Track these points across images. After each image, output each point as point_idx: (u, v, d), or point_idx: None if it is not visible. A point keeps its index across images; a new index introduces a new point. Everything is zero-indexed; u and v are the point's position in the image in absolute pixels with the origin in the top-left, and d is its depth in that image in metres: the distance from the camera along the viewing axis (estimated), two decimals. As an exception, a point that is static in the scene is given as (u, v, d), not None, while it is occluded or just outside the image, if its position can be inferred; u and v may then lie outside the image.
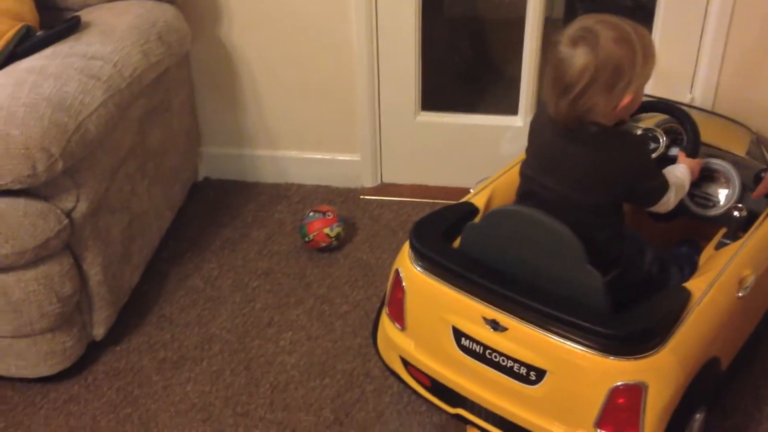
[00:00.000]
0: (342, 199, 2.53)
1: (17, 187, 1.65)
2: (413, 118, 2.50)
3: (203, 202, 2.54)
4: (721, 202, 1.75)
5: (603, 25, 1.43)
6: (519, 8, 2.35)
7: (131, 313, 2.09)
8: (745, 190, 1.75)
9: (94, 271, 1.85)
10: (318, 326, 2.07)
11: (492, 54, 3.25)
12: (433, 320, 1.58)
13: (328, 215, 2.29)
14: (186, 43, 2.21)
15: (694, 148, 1.76)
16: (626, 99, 1.46)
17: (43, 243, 1.69)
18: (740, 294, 1.58)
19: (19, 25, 1.87)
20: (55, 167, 1.65)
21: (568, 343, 1.41)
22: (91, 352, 1.97)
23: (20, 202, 1.68)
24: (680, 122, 1.79)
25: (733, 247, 1.65)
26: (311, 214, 2.30)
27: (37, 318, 1.76)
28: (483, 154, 2.50)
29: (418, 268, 1.59)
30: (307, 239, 2.29)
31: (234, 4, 2.38)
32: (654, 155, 1.78)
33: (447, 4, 3.38)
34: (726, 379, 1.67)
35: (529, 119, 2.44)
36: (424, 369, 1.64)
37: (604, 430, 1.43)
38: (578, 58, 1.41)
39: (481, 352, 1.53)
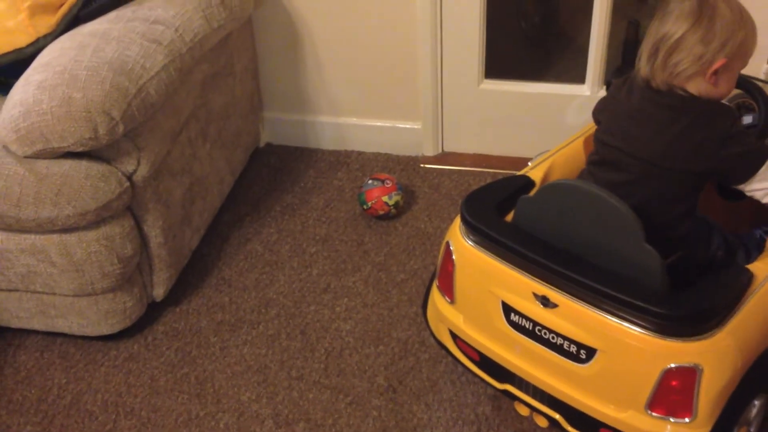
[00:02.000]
0: (402, 168, 2.52)
1: (79, 149, 1.68)
2: (476, 85, 2.45)
3: (264, 167, 2.56)
4: (761, 126, 1.66)
5: None
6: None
7: (191, 275, 2.13)
8: None
9: (154, 233, 1.89)
10: (374, 294, 2.07)
11: (560, 20, 3.17)
12: (483, 294, 1.56)
13: (387, 183, 2.27)
14: (248, 8, 2.21)
15: (767, 124, 1.68)
16: (718, 62, 1.42)
17: (104, 205, 1.72)
18: None
19: (83, -11, 1.90)
20: (116, 130, 1.67)
21: (621, 321, 1.38)
22: (151, 313, 2.01)
23: (82, 165, 1.71)
24: (753, 97, 1.71)
25: None
26: (370, 181, 2.29)
27: (99, 278, 1.80)
28: (548, 124, 2.44)
29: (469, 242, 1.56)
30: (365, 206, 2.28)
31: (297, -31, 2.36)
32: None
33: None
34: None
35: (597, 89, 2.39)
36: (472, 343, 1.63)
37: (655, 412, 1.40)
38: (684, 4, 1.43)
39: (530, 328, 1.50)
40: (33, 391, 1.85)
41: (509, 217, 1.57)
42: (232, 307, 2.05)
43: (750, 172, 1.49)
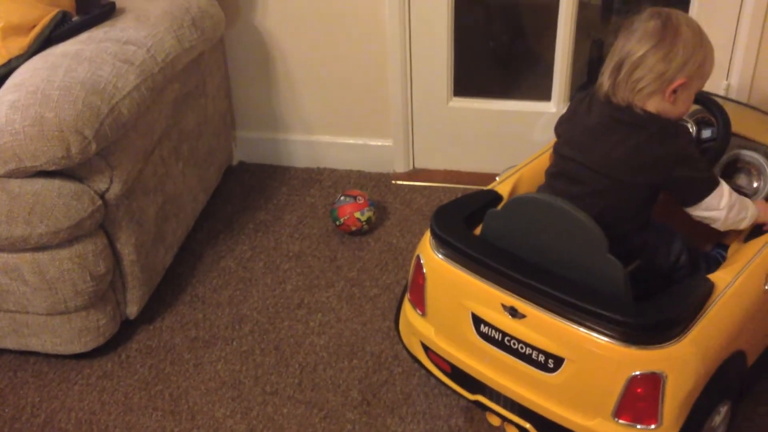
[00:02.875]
0: (374, 184, 2.55)
1: (52, 168, 1.70)
2: (446, 103, 2.50)
3: (237, 185, 2.58)
4: (752, 195, 1.71)
5: (679, 12, 1.50)
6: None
7: (165, 293, 2.14)
8: None
9: (127, 251, 1.90)
10: (347, 309, 2.09)
11: (526, 39, 3.23)
12: (453, 306, 1.59)
13: (359, 199, 2.30)
14: (220, 29, 2.24)
15: (724, 138, 1.72)
16: (678, 81, 1.48)
17: (77, 223, 1.73)
18: (766, 287, 1.55)
19: (55, 11, 1.92)
20: (88, 149, 1.69)
21: (586, 331, 1.41)
22: (125, 330, 2.02)
23: (55, 183, 1.72)
24: (711, 112, 1.75)
25: (762, 239, 1.61)
26: (342, 198, 2.32)
27: (72, 296, 1.81)
28: (516, 140, 2.49)
29: (439, 255, 1.59)
30: (338, 223, 2.31)
31: (268, -10, 2.40)
32: None
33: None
34: (752, 374, 1.64)
35: (562, 106, 2.44)
36: (444, 355, 1.65)
37: (622, 419, 1.43)
38: (648, 24, 1.48)
39: (499, 338, 1.53)
40: (6, 410, 1.85)
41: (478, 231, 1.61)
42: (206, 324, 2.06)
43: (695, 198, 1.54)
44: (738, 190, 1.70)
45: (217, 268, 2.24)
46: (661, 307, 1.40)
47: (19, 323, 1.88)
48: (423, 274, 1.63)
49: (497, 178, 1.81)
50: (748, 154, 1.74)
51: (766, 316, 1.62)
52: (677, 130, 1.53)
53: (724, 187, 1.55)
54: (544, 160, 1.79)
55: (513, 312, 1.48)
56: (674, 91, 1.50)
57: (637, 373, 1.39)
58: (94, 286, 1.82)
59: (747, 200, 1.61)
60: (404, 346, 1.78)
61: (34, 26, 1.89)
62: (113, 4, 2.00)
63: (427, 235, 1.64)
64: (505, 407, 1.59)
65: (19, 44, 1.87)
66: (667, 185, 1.53)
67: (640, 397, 1.40)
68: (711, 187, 1.54)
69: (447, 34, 2.38)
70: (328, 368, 1.93)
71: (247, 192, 2.55)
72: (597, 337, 1.40)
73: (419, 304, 1.67)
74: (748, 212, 1.59)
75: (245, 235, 2.36)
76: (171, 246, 2.15)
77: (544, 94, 2.47)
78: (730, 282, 1.51)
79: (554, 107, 2.45)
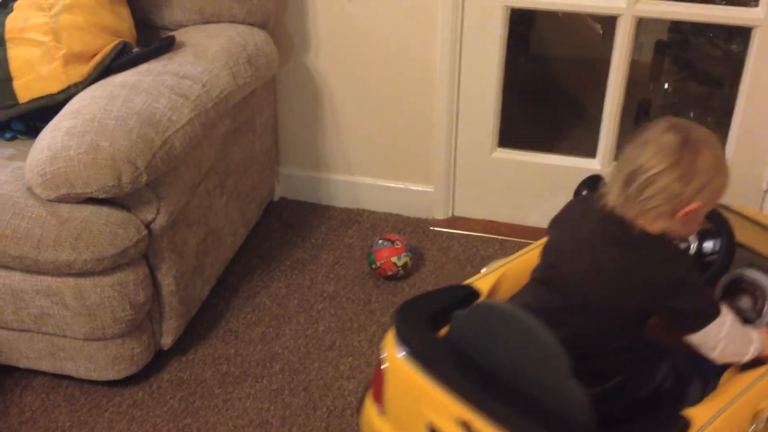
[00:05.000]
0: (412, 229, 2.55)
1: (102, 196, 1.72)
2: (489, 153, 2.50)
3: (277, 221, 2.59)
4: (754, 320, 1.54)
5: (698, 127, 1.39)
6: (605, 49, 2.35)
7: (199, 325, 2.15)
8: None
9: (167, 282, 1.91)
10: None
11: (574, 94, 3.24)
12: (411, 410, 1.44)
13: (397, 244, 2.30)
14: (273, 67, 2.27)
15: (728, 254, 1.57)
16: (693, 204, 1.35)
17: (121, 251, 1.75)
18: (752, 429, 1.39)
19: (117, 41, 1.96)
20: (139, 180, 1.71)
21: None
22: (158, 361, 2.02)
23: (103, 211, 1.75)
24: (714, 224, 1.60)
25: (756, 372, 1.43)
26: (380, 241, 2.33)
27: (110, 323, 1.82)
28: (558, 195, 2.48)
29: (401, 353, 1.44)
30: (374, 266, 2.31)
31: (323, 31, 2.43)
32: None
33: (532, 41, 3.39)
34: None
35: (607, 163, 2.43)
36: None
37: None
38: (664, 138, 1.35)
39: None
40: (38, 430, 1.86)
41: (446, 330, 1.47)
42: (238, 360, 2.07)
43: (691, 328, 1.40)
44: (739, 312, 1.54)
45: (252, 304, 2.25)
46: None
47: (56, 346, 1.89)
48: (383, 370, 1.49)
49: (483, 270, 1.68)
50: (753, 274, 1.58)
51: None
52: (677, 254, 1.42)
53: (726, 318, 1.39)
54: (533, 257, 1.62)
55: (467, 428, 1.34)
56: (686, 213, 1.37)
57: None
58: (133, 314, 1.83)
59: (752, 333, 1.44)
60: None
61: (95, 55, 1.93)
62: (173, 38, 2.04)
63: (392, 329, 1.49)
64: None
65: (79, 72, 1.91)
66: (659, 313, 1.41)
67: None
68: (710, 318, 1.38)
69: (496, 84, 2.39)
70: (356, 414, 1.91)
71: (286, 228, 2.56)
72: None
73: (379, 399, 1.52)
74: (751, 347, 1.42)
75: (281, 272, 2.37)
76: (209, 279, 2.16)
77: (590, 151, 2.47)
78: (709, 420, 1.34)
79: (599, 164, 2.44)
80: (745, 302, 1.57)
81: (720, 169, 1.37)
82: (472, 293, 1.58)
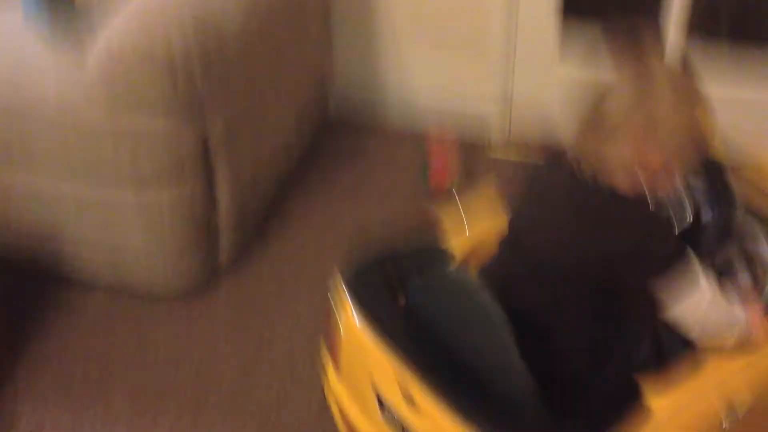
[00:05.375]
0: (468, 150, 2.52)
1: (159, 105, 1.72)
2: (549, 71, 2.44)
3: (332, 140, 2.58)
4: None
5: (670, 64, 1.22)
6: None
7: (256, 243, 2.17)
8: None
9: (224, 199, 1.93)
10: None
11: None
12: (361, 376, 1.36)
13: (451, 163, 2.29)
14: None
15: (727, 224, 1.42)
16: (658, 156, 1.18)
17: (179, 163, 1.76)
18: (725, 426, 1.23)
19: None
20: (195, 88, 1.71)
21: None
22: (215, 277, 2.05)
23: (160, 123, 1.75)
24: (714, 189, 1.45)
25: (732, 361, 1.27)
26: (434, 159, 2.32)
27: (169, 236, 1.85)
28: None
29: (355, 318, 1.35)
30: (428, 184, 2.30)
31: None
32: (684, 224, 1.45)
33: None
34: None
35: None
36: (351, 426, 1.43)
37: None
38: (627, 78, 1.18)
39: (399, 426, 1.30)
40: (99, 342, 1.92)
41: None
42: (292, 277, 2.09)
43: (668, 302, 1.23)
44: (736, 290, 1.38)
45: (307, 223, 2.26)
46: None
47: (117, 258, 1.93)
48: (339, 326, 1.40)
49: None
50: (756, 248, 1.43)
51: None
52: (645, 222, 1.22)
53: (705, 295, 1.22)
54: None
55: (409, 399, 1.26)
56: (652, 169, 1.19)
57: None
58: (192, 228, 1.86)
59: (740, 315, 1.28)
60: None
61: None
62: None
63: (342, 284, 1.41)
64: None
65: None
66: (625, 286, 1.23)
67: None
68: (683, 294, 1.21)
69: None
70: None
71: (340, 149, 2.55)
72: None
73: (334, 356, 1.45)
74: (735, 330, 1.27)
75: (335, 193, 2.37)
76: (265, 197, 2.18)
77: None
78: (674, 412, 1.22)
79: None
80: (746, 279, 1.41)
81: (691, 109, 1.19)
82: (447, 255, 1.47)
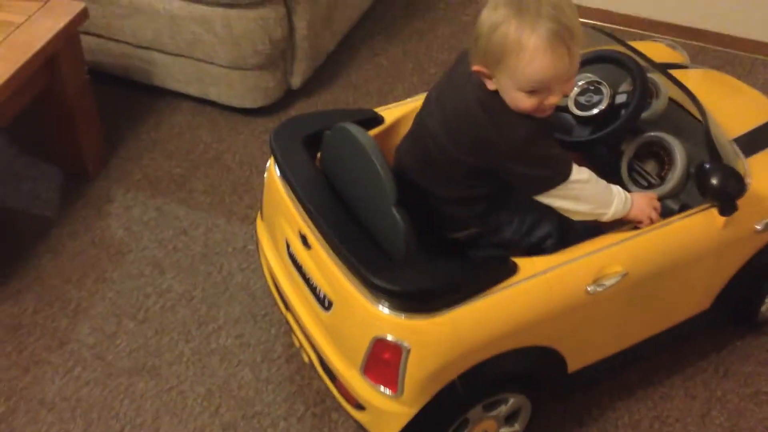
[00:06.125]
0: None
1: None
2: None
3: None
4: (657, 185, 1.51)
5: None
6: None
7: (325, 73, 2.40)
8: (689, 180, 1.50)
9: (301, 25, 2.14)
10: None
11: None
12: (275, 220, 1.53)
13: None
14: None
15: (636, 109, 1.50)
16: (477, 66, 1.27)
17: (264, -12, 1.98)
18: (590, 289, 1.38)
19: None
20: None
21: (349, 280, 1.33)
22: (287, 98, 2.29)
23: (251, -53, 1.97)
24: (630, 75, 1.54)
25: (612, 237, 1.42)
26: (496, 16, 2.47)
27: (251, 53, 2.08)
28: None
29: (274, 167, 1.50)
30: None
31: None
32: (594, 111, 1.56)
33: None
34: (575, 381, 1.52)
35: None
36: (266, 265, 1.61)
37: (368, 377, 1.35)
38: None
39: (299, 265, 1.46)
40: (184, 144, 2.19)
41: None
42: (353, 106, 2.31)
43: (531, 191, 1.37)
44: (642, 175, 1.54)
45: (372, 62, 2.47)
46: (423, 276, 1.30)
47: (203, 72, 2.17)
48: (264, 178, 1.57)
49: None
50: (668, 140, 1.52)
51: (591, 322, 1.45)
52: (516, 121, 1.29)
53: (581, 176, 1.35)
54: None
55: (304, 241, 1.41)
56: (486, 75, 1.27)
57: (381, 336, 1.30)
58: (271, 48, 2.09)
59: (617, 194, 1.40)
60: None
61: None
62: None
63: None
64: (301, 333, 1.51)
65: None
66: (503, 174, 1.35)
67: (384, 361, 1.31)
68: (553, 184, 1.34)
69: None
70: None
71: (409, 3, 2.72)
72: (353, 289, 1.32)
73: (262, 203, 1.62)
74: (609, 208, 1.39)
75: (400, 39, 2.57)
76: (336, 33, 2.38)
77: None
78: (540, 272, 1.35)
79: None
80: (651, 166, 1.54)
81: (507, 23, 1.21)
82: (375, 118, 1.58)
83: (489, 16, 1.24)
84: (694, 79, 1.82)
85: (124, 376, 1.68)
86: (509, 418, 1.51)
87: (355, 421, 1.45)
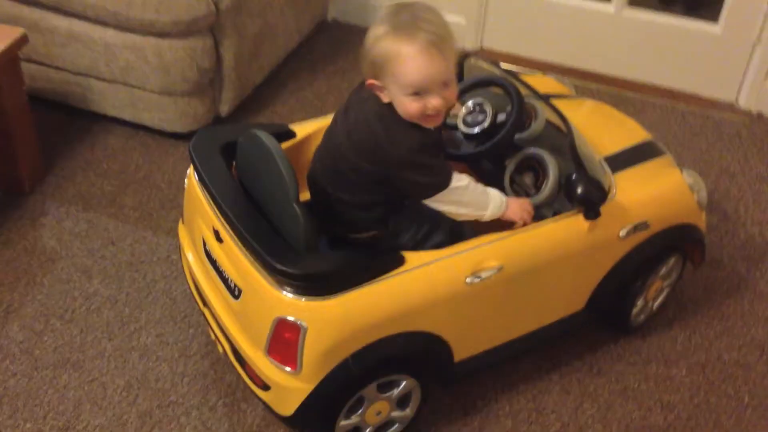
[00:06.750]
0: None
1: (181, -28, 2.13)
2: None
3: (326, 38, 2.98)
4: (534, 194, 1.69)
5: (416, 9, 1.43)
6: None
7: (252, 103, 2.58)
8: (561, 190, 1.68)
9: (228, 56, 2.34)
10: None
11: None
12: (194, 222, 1.69)
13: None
14: None
15: (512, 127, 1.70)
16: (369, 79, 1.46)
17: (193, 19, 2.18)
18: (468, 280, 1.55)
19: None
20: (210, -40, 2.12)
21: (254, 267, 1.48)
22: (216, 124, 2.46)
23: (182, -14, 2.17)
24: (509, 96, 1.73)
25: (494, 235, 1.61)
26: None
27: (180, 81, 2.26)
28: (578, 38, 2.81)
29: (193, 173, 1.68)
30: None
31: None
32: (478, 128, 1.76)
33: None
34: (461, 369, 1.68)
35: (621, 7, 2.73)
36: (185, 263, 1.76)
37: (272, 357, 1.50)
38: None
39: (213, 259, 1.61)
40: (116, 164, 2.34)
41: None
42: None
43: (417, 196, 1.55)
44: (521, 187, 1.72)
45: (297, 96, 2.67)
46: (318, 262, 1.47)
47: (136, 98, 2.35)
48: (185, 184, 1.74)
49: None
50: (541, 154, 1.70)
51: (471, 311, 1.62)
52: (405, 132, 1.47)
53: (460, 184, 1.53)
54: None
55: (217, 236, 1.57)
56: (381, 89, 1.46)
57: (281, 317, 1.45)
58: (199, 76, 2.27)
59: (494, 198, 1.58)
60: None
61: None
62: None
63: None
64: (216, 325, 1.66)
65: None
66: (394, 181, 1.51)
67: (285, 341, 1.47)
68: (437, 190, 1.52)
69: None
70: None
71: (334, 45, 2.94)
72: (259, 275, 1.48)
73: (183, 208, 1.78)
74: (486, 211, 1.58)
75: (325, 76, 2.77)
76: (263, 67, 2.58)
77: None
78: (424, 263, 1.52)
79: (612, 8, 2.74)
80: (529, 178, 1.72)
81: (379, 41, 1.41)
82: (287, 132, 1.76)
83: (372, 32, 1.44)
84: (577, 106, 2.05)
85: (49, 369, 1.81)
86: (401, 402, 1.66)
87: (262, 402, 1.60)
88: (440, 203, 1.55)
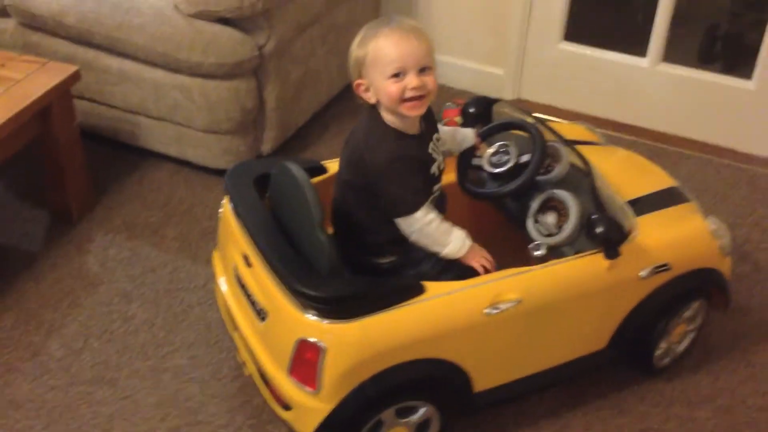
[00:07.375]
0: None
1: (227, 15, 2.26)
2: (556, 44, 2.89)
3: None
4: (555, 234, 1.72)
5: (400, 20, 1.58)
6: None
7: (294, 143, 2.68)
8: (581, 232, 1.70)
9: (270, 99, 2.45)
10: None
11: None
12: (227, 250, 1.77)
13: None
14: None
15: (535, 167, 1.76)
16: (355, 81, 1.61)
17: (238, 62, 2.29)
18: (486, 311, 1.59)
19: None
20: (257, 6, 2.24)
21: (279, 290, 1.55)
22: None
23: (227, 29, 2.29)
24: (532, 139, 1.80)
25: (514, 269, 1.65)
26: (448, 103, 2.76)
27: (224, 119, 2.37)
28: (614, 90, 2.87)
29: (228, 203, 1.77)
30: (441, 123, 2.76)
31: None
32: (502, 168, 1.83)
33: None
34: (480, 400, 1.72)
35: (655, 62, 2.79)
36: (218, 291, 1.84)
37: (294, 377, 1.57)
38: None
39: (243, 284, 1.69)
40: (161, 197, 2.46)
41: None
42: (319, 175, 2.58)
43: (392, 212, 1.59)
44: (544, 226, 1.74)
45: (339, 138, 2.73)
46: (341, 286, 1.53)
47: (182, 135, 2.47)
48: (219, 213, 1.82)
49: None
50: (562, 195, 1.73)
51: (490, 342, 1.66)
52: (385, 140, 1.57)
53: (426, 218, 1.58)
54: None
55: (246, 260, 1.65)
56: (367, 88, 1.58)
57: (303, 338, 1.52)
58: (242, 116, 2.38)
59: (453, 239, 1.63)
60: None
61: None
62: None
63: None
64: (244, 347, 1.72)
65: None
66: (376, 191, 1.58)
67: (306, 360, 1.53)
68: (406, 212, 1.58)
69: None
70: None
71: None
72: (283, 298, 1.55)
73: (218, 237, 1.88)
74: (445, 249, 1.63)
75: (365, 121, 2.86)
76: (305, 111, 2.68)
77: (641, 50, 2.81)
78: (443, 293, 1.58)
79: (646, 63, 2.80)
80: (551, 218, 1.74)
81: (361, 43, 1.56)
82: (318, 168, 1.85)
83: (355, 39, 1.59)
84: (606, 153, 2.10)
85: (85, 385, 1.89)
86: (421, 430, 1.70)
87: (284, 422, 1.65)
88: (406, 227, 1.61)
